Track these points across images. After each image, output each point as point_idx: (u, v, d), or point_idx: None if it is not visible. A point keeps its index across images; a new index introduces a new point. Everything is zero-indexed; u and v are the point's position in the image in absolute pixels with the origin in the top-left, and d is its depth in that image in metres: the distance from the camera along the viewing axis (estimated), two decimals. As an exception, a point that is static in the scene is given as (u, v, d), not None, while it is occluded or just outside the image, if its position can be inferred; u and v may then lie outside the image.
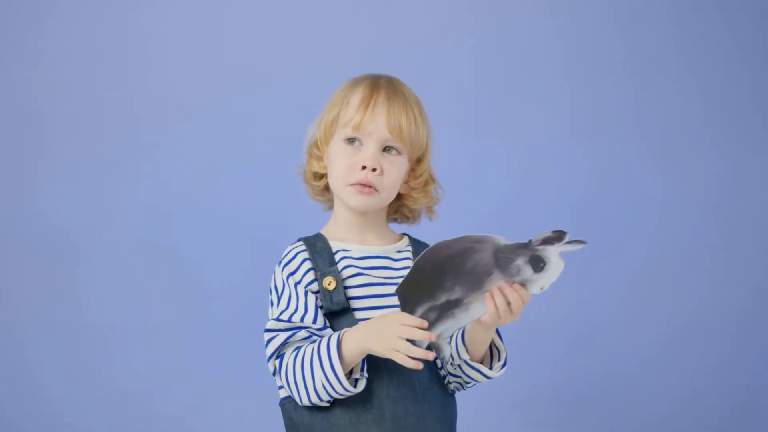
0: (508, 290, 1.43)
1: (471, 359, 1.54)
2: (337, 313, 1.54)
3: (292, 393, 1.51)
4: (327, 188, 1.65)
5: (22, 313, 2.71)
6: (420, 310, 1.45)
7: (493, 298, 1.44)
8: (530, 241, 1.44)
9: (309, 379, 1.48)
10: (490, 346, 1.57)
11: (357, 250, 1.59)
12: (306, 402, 1.50)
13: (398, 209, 1.68)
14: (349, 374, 1.49)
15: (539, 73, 2.84)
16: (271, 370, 1.54)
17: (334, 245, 1.59)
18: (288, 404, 1.57)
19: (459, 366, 1.55)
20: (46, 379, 2.69)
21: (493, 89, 2.81)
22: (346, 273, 1.56)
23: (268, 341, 1.53)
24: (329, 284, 1.54)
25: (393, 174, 1.58)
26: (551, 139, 2.84)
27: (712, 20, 2.89)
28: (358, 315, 1.54)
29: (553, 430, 2.74)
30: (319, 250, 1.58)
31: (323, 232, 1.63)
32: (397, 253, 1.62)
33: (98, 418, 2.67)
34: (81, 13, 2.74)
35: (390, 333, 1.43)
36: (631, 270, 2.84)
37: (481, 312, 1.46)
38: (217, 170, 2.75)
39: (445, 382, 1.60)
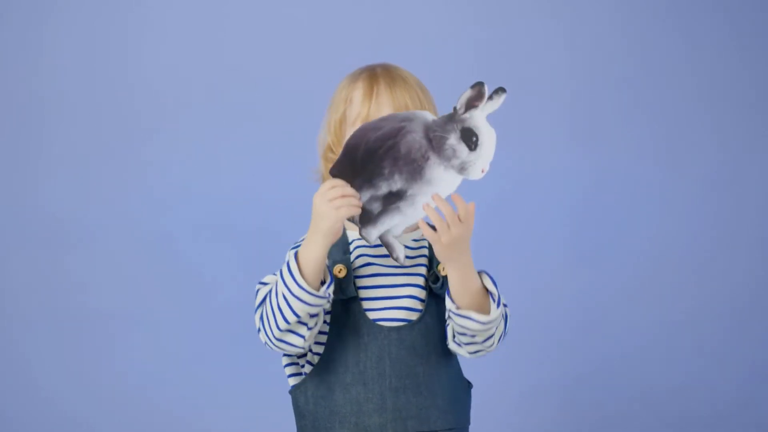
0: (442, 205, 1.44)
1: (459, 308, 1.50)
2: (345, 301, 1.55)
3: (265, 328, 1.50)
4: None
5: (18, 303, 2.72)
6: (361, 197, 1.45)
7: (432, 212, 1.44)
8: (455, 109, 1.43)
9: (275, 298, 1.47)
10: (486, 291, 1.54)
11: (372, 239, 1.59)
12: (276, 330, 1.48)
13: None
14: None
15: (539, 72, 2.85)
16: (257, 326, 1.54)
17: (351, 235, 1.59)
18: (295, 392, 1.59)
19: (452, 319, 1.52)
20: (42, 369, 2.71)
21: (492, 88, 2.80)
22: (357, 263, 1.56)
23: (257, 292, 1.54)
24: (339, 272, 1.55)
25: None
26: (550, 137, 2.84)
27: (712, 19, 2.90)
28: (366, 305, 1.55)
29: (555, 420, 2.74)
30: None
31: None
32: (414, 242, 1.61)
33: (95, 407, 2.69)
34: (83, 4, 2.75)
35: (320, 205, 1.43)
36: (630, 267, 2.85)
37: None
38: (216, 160, 2.76)
39: (455, 342, 1.56)
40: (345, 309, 1.55)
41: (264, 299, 1.51)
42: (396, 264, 1.56)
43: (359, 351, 1.53)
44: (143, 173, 2.75)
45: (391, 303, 1.55)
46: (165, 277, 2.74)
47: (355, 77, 1.59)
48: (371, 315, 1.54)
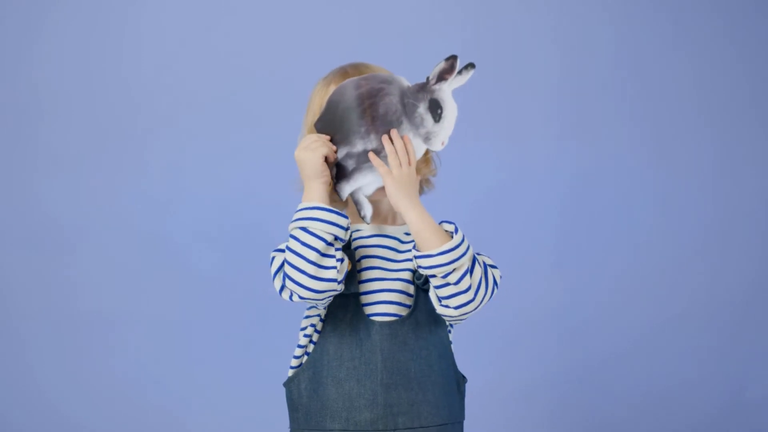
0: (397, 139, 1.49)
1: (420, 251, 1.50)
2: (343, 297, 1.55)
3: (294, 278, 1.48)
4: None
5: (17, 304, 2.73)
6: (338, 153, 1.51)
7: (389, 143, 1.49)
8: (428, 79, 1.49)
9: (296, 243, 1.48)
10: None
11: (368, 229, 1.60)
12: (309, 266, 1.47)
13: None
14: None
15: (529, 68, 2.84)
16: (278, 287, 1.53)
17: (352, 226, 1.60)
18: (289, 385, 1.60)
19: (420, 267, 1.51)
20: (40, 368, 2.73)
21: (483, 84, 2.80)
22: (356, 255, 1.57)
23: (272, 260, 1.54)
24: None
25: None
26: (541, 132, 2.84)
27: (704, 13, 2.88)
28: (361, 299, 1.55)
29: (552, 415, 2.75)
30: None
31: None
32: (405, 236, 1.61)
33: (92, 406, 2.71)
34: (79, 5, 2.75)
35: (299, 154, 1.49)
36: (623, 263, 2.85)
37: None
38: (211, 160, 2.77)
39: (442, 305, 1.54)
40: (343, 304, 1.55)
41: (283, 262, 1.51)
42: (389, 256, 1.57)
43: (354, 347, 1.54)
44: (139, 175, 2.76)
45: (383, 297, 1.56)
46: (160, 277, 2.75)
47: (327, 81, 1.59)
48: (366, 310, 1.55)
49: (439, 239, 1.49)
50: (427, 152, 1.60)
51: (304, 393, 1.57)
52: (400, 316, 1.55)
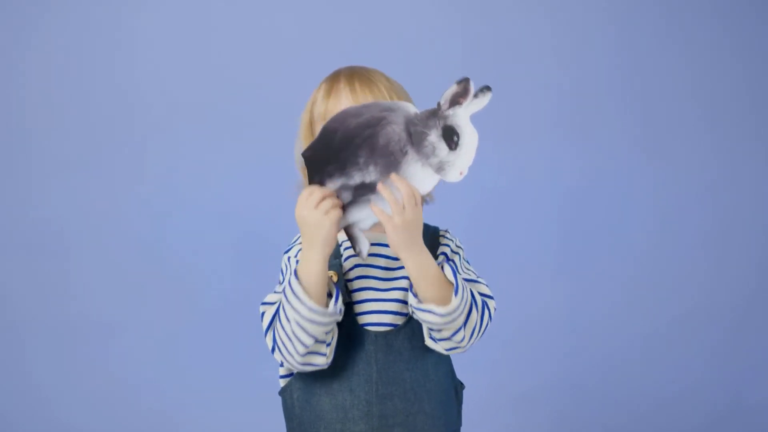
0: (400, 185, 1.39)
1: (420, 302, 1.46)
2: None
3: (284, 354, 1.47)
4: None
5: (16, 309, 2.74)
6: (331, 184, 1.39)
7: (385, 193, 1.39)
8: (439, 104, 1.37)
9: (288, 324, 1.44)
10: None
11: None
12: (297, 356, 1.45)
13: None
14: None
15: (529, 70, 2.85)
16: (270, 346, 1.50)
17: (340, 237, 1.56)
18: (283, 394, 1.58)
19: (415, 314, 1.49)
20: (39, 372, 2.75)
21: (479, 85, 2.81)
22: (346, 266, 1.54)
23: (262, 315, 1.51)
24: (331, 278, 1.51)
25: None
26: (542, 135, 2.84)
27: (702, 14, 2.89)
28: (355, 309, 1.53)
29: (550, 422, 2.74)
30: None
31: None
32: None
33: (90, 409, 2.73)
34: (73, 15, 2.76)
35: (308, 216, 1.39)
36: (623, 269, 2.84)
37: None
38: (207, 168, 2.77)
39: (431, 339, 1.52)
40: None
41: (272, 321, 1.48)
42: (384, 265, 1.55)
43: (347, 357, 1.51)
44: (136, 181, 2.77)
45: (379, 306, 1.53)
46: (158, 282, 2.76)
47: (322, 81, 1.56)
48: (359, 320, 1.52)
49: (436, 290, 1.44)
50: None
51: (297, 403, 1.55)
52: (395, 325, 1.53)
